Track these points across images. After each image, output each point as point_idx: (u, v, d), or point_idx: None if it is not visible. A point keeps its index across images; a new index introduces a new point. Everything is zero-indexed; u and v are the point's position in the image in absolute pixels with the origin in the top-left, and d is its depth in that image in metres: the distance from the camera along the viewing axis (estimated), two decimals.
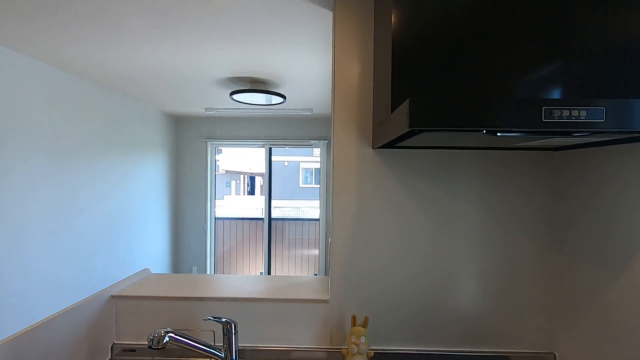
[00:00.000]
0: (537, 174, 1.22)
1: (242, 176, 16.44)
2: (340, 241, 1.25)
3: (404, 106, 0.68)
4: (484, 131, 0.71)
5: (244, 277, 1.98)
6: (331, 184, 1.27)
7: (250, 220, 5.61)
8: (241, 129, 4.71)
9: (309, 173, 16.10)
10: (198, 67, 2.57)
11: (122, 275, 3.53)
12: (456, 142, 1.02)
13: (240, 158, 14.79)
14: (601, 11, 0.85)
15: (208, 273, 4.81)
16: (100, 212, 3.17)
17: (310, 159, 15.39)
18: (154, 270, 4.16)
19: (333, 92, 1.26)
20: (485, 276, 1.23)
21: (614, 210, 0.95)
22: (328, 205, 4.73)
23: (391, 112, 0.87)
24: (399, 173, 1.23)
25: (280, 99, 2.99)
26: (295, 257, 5.32)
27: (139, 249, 3.87)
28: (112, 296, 1.42)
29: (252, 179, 17.17)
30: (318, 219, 5.18)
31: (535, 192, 1.22)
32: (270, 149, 4.84)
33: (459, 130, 0.69)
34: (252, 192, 17.10)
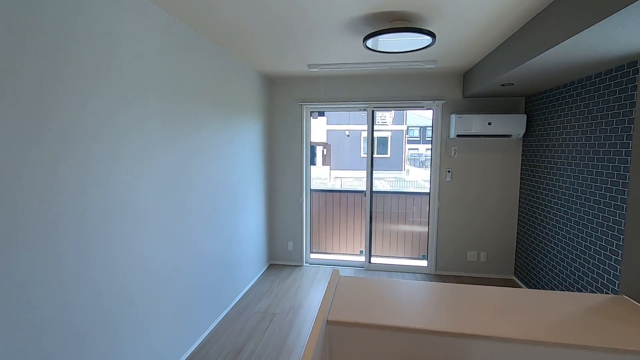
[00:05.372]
0: None
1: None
2: None
3: None
4: None
5: (481, 291, 1.50)
6: None
7: (341, 193, 5.13)
8: (340, 90, 4.11)
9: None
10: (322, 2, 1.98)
11: (230, 257, 3.21)
12: None
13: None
14: None
15: (304, 249, 4.45)
16: (209, 186, 2.81)
17: (376, 127, 14.50)
18: (253, 248, 3.85)
19: None
20: None
21: None
22: (442, 175, 4.06)
23: None
24: None
25: (428, 40, 2.31)
26: (391, 234, 4.75)
27: (243, 224, 3.55)
28: (328, 321, 1.00)
29: (312, 149, 16.77)
30: (421, 193, 4.53)
31: None
32: (373, 111, 4.20)
33: None
34: (312, 162, 16.75)
